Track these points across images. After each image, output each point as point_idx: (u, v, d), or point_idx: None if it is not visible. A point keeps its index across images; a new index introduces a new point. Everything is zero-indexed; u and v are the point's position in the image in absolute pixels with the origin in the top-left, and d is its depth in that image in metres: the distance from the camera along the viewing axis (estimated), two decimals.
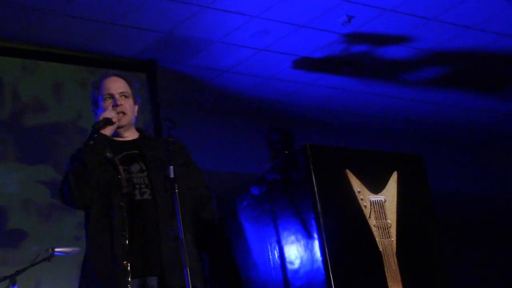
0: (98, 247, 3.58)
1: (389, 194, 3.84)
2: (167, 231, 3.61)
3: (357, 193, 3.75)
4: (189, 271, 3.40)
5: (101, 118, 3.67)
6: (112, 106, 3.75)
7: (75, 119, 6.48)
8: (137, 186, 3.65)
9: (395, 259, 3.70)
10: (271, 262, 3.76)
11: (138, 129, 3.95)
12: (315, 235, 3.58)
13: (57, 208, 6.07)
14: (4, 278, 4.81)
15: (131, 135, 3.87)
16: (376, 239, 3.71)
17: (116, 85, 3.81)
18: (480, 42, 7.25)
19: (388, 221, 3.78)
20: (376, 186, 3.84)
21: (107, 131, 3.68)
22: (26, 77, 6.44)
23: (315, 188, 3.64)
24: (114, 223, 3.58)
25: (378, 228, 3.74)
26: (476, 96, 8.40)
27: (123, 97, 3.81)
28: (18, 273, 4.83)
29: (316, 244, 3.58)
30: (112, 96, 3.77)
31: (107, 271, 3.53)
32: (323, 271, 3.53)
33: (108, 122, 3.68)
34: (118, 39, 6.53)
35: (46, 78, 6.53)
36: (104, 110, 3.73)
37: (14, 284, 4.74)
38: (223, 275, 4.03)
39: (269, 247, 3.78)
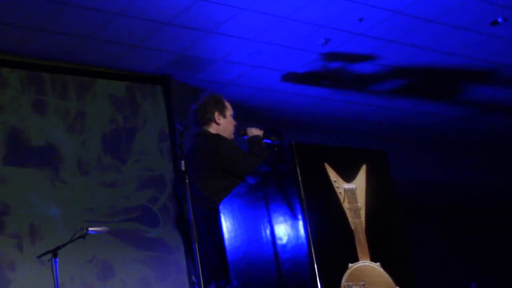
0: None
1: (360, 183, 3.80)
2: None
3: (333, 182, 3.71)
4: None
5: (261, 133, 4.12)
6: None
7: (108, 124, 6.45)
8: None
9: (364, 236, 3.67)
10: (264, 239, 3.73)
11: None
12: (300, 216, 3.55)
13: None
14: (47, 252, 4.77)
15: None
16: (349, 219, 3.68)
17: None
18: (432, 60, 7.23)
19: (359, 204, 3.75)
20: (349, 176, 3.80)
21: None
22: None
23: (300, 178, 3.61)
24: None
25: (351, 210, 3.71)
26: (429, 103, 8.38)
27: None
28: (59, 247, 4.79)
29: (300, 223, 3.55)
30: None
31: None
32: (306, 246, 3.50)
33: None
34: (140, 58, 6.49)
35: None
36: (232, 123, 4.15)
37: (55, 257, 4.70)
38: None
39: (262, 226, 3.75)
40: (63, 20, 5.69)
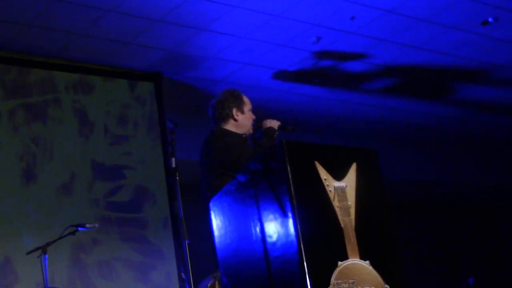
0: None
1: (350, 181, 3.80)
2: None
3: (323, 180, 3.71)
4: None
5: (277, 125, 4.14)
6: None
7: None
8: None
9: (354, 234, 3.66)
10: (254, 236, 3.72)
11: None
12: (290, 214, 3.54)
13: None
14: (37, 249, 4.74)
15: None
16: (339, 217, 3.67)
17: None
18: (423, 59, 7.24)
19: (349, 202, 3.74)
20: (339, 175, 3.80)
21: None
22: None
23: (290, 176, 3.60)
24: None
25: (340, 208, 3.70)
26: (421, 102, 8.39)
27: None
28: (48, 244, 4.77)
29: (290, 221, 3.54)
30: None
31: None
32: (295, 244, 3.49)
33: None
34: (132, 55, 6.48)
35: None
36: (251, 117, 4.15)
37: (45, 253, 4.68)
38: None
39: (252, 224, 3.74)
40: (54, 17, 5.67)
